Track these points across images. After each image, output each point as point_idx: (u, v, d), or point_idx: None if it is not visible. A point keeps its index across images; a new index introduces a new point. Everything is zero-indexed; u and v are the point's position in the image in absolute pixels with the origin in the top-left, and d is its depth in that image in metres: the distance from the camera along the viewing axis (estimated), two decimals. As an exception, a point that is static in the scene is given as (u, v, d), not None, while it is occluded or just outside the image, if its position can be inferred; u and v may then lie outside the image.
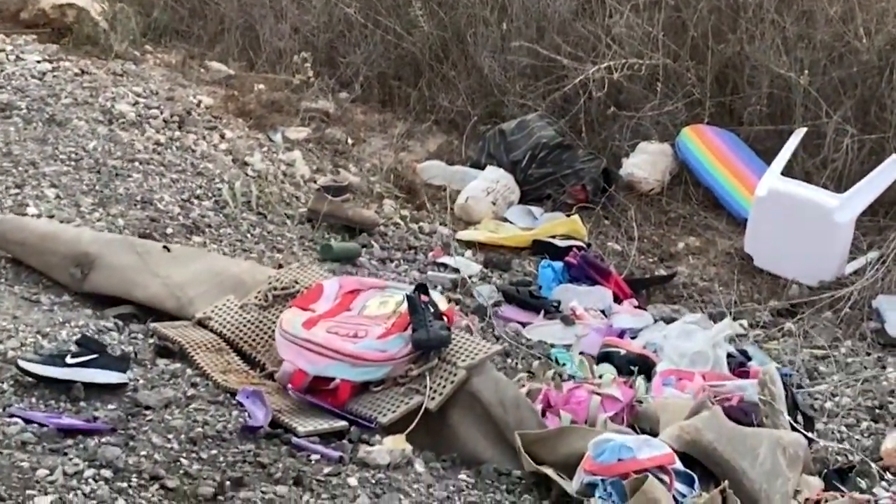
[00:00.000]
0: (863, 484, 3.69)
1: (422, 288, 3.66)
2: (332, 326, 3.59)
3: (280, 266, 4.67)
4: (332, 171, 6.42)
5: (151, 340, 3.85)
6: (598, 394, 3.70)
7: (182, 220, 5.13)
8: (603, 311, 5.34)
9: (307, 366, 3.47)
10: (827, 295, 5.73)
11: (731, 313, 5.63)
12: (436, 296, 3.75)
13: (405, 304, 3.63)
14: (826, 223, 5.84)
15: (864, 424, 4.59)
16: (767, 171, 6.12)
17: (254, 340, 3.84)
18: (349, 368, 3.46)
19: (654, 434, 3.62)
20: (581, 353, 4.56)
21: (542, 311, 5.25)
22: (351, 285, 3.86)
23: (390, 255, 5.60)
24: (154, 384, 3.52)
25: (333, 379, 3.48)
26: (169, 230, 4.96)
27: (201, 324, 3.94)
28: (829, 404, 4.77)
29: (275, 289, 3.99)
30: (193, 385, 3.57)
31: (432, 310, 3.56)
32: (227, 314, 3.95)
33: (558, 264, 5.59)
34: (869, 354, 5.35)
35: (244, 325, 3.90)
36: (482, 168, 6.50)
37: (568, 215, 6.24)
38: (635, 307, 5.43)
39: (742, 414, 4.15)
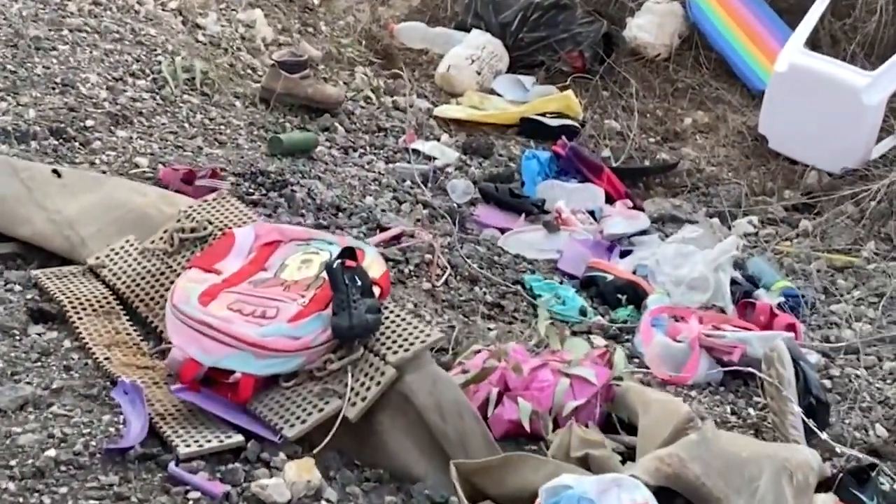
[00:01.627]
0: (886, 485, 2.87)
1: (347, 252, 2.82)
2: (234, 301, 2.76)
3: (214, 174, 3.82)
4: (298, 32, 5.47)
5: (30, 295, 3.03)
6: (567, 375, 2.88)
7: (108, 106, 4.25)
8: (592, 214, 4.48)
9: (200, 355, 2.66)
10: (849, 190, 4.84)
11: (741, 210, 4.79)
12: (369, 256, 2.91)
13: (329, 270, 2.81)
14: (853, 104, 4.94)
15: (888, 365, 3.77)
16: (789, 41, 5.15)
17: (151, 299, 3.02)
18: (252, 360, 2.65)
19: (633, 427, 2.83)
20: (555, 287, 3.72)
21: (524, 214, 4.40)
22: (269, 235, 3.01)
23: (355, 142, 4.73)
24: (15, 369, 2.73)
25: (233, 371, 2.66)
26: (89, 122, 4.09)
27: (94, 272, 3.12)
28: (847, 332, 3.95)
29: (182, 230, 3.15)
30: (66, 369, 2.78)
31: (359, 283, 2.72)
32: (124, 261, 3.13)
33: (544, 155, 4.72)
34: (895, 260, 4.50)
35: (142, 277, 3.08)
36: (468, 30, 5.54)
37: (562, 88, 5.32)
38: (630, 208, 4.56)
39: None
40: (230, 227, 3.12)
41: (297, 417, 2.58)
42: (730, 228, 4.66)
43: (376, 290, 2.80)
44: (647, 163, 5.06)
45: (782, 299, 3.89)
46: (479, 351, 3.08)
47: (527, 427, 2.81)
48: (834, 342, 3.87)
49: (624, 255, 4.14)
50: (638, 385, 2.91)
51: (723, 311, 3.83)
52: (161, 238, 3.16)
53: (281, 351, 2.65)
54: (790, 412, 2.89)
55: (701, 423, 2.50)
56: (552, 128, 5.01)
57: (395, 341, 2.68)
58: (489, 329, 3.51)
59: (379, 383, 2.59)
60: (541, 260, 4.13)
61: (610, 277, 3.89)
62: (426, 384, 2.62)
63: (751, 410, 3.29)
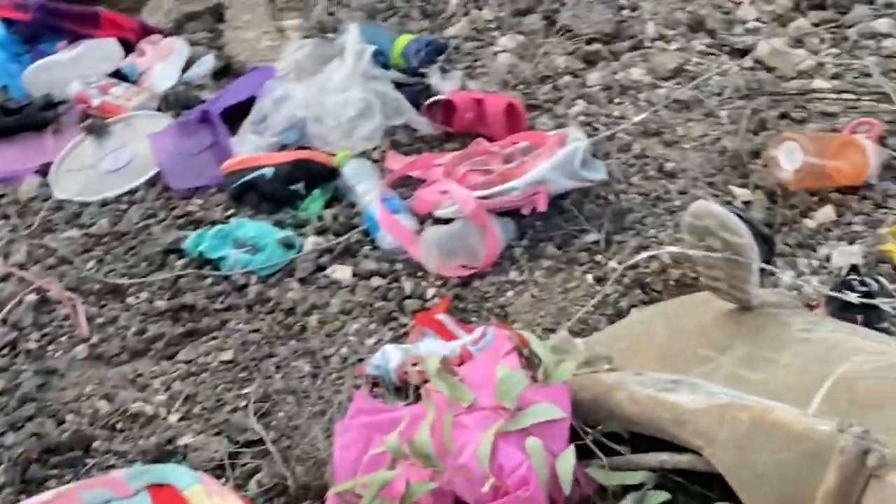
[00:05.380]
0: (874, 285, 1.99)
1: None
2: None
3: None
4: None
5: None
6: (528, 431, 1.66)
7: None
8: (124, 77, 2.93)
9: None
10: None
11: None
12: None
13: None
14: None
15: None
16: None
17: None
18: None
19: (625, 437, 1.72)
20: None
21: (41, 129, 2.80)
22: None
23: None
24: None
25: None
26: None
27: None
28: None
29: None
30: None
31: None
32: None
33: (-2, 32, 2.96)
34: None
35: None
36: None
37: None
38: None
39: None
40: None
41: None
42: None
43: None
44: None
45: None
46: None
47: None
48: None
49: (233, 115, 2.69)
50: (593, 377, 1.75)
51: (411, 127, 2.64)
52: None
53: None
54: (751, 272, 1.88)
55: (879, 447, 1.44)
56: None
57: None
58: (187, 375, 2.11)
59: None
60: (141, 187, 2.61)
61: (269, 171, 2.49)
62: None
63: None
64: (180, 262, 2.35)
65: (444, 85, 2.63)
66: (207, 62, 2.92)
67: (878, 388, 1.62)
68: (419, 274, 2.26)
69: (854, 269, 2.02)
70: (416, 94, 2.62)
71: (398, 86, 2.63)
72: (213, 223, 2.42)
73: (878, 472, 1.43)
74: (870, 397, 1.61)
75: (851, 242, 2.15)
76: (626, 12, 3.02)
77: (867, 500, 1.43)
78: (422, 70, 2.68)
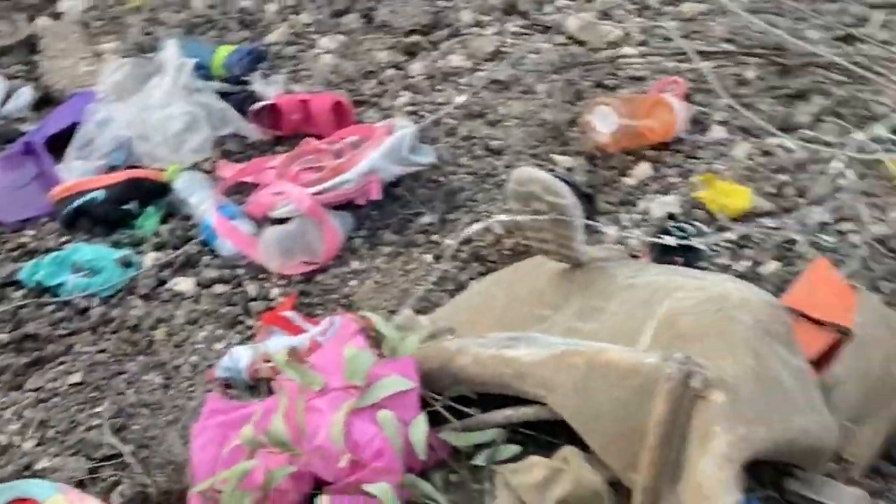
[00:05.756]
0: (690, 228, 2.12)
1: None
2: None
3: None
4: None
5: None
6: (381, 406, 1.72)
7: None
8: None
9: None
10: None
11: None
12: None
13: None
14: None
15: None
16: None
17: None
18: None
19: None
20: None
21: None
22: None
23: None
24: None
25: None
26: None
27: None
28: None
29: None
30: None
31: None
32: None
33: None
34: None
35: None
36: None
37: None
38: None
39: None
40: None
41: None
42: None
43: None
44: None
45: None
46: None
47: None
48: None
49: (58, 143, 2.66)
50: (437, 346, 1.82)
51: (240, 135, 2.67)
52: None
53: None
54: (577, 230, 1.97)
55: (700, 370, 1.53)
56: None
57: None
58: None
59: None
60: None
61: (100, 194, 2.48)
62: None
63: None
64: (18, 294, 2.32)
65: (269, 90, 2.66)
66: (25, 94, 2.88)
67: (698, 321, 1.71)
68: (262, 276, 2.29)
69: (671, 216, 2.13)
70: (241, 101, 2.64)
71: (223, 96, 2.65)
72: (49, 251, 2.40)
73: (703, 393, 1.52)
74: (691, 331, 1.70)
75: (668, 193, 2.26)
76: (441, 3, 3.09)
77: (695, 420, 1.53)
78: (244, 78, 2.71)
